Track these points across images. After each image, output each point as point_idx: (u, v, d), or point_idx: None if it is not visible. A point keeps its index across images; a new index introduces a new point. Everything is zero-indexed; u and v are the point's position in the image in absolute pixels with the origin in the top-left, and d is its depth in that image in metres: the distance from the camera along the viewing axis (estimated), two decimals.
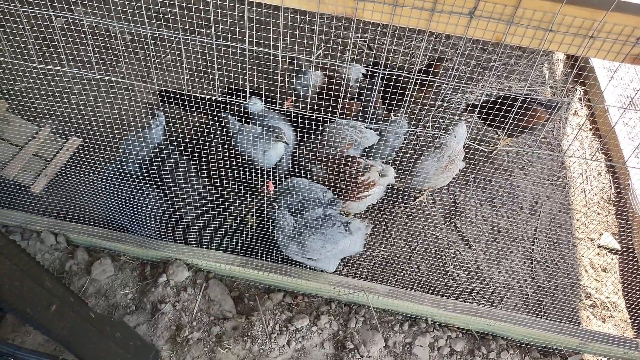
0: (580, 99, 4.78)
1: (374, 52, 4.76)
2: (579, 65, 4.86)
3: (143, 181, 2.83)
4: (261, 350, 2.73)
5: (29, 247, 2.96)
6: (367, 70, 3.75)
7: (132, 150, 2.87)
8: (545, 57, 5.15)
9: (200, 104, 3.07)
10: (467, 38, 1.61)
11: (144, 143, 2.91)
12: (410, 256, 3.36)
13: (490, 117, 3.36)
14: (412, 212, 3.59)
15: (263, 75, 3.90)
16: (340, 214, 3.21)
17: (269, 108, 3.37)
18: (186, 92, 2.54)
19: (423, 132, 3.95)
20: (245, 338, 2.75)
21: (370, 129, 3.36)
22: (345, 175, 2.91)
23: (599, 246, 3.62)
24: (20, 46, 2.18)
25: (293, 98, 3.46)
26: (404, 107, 3.82)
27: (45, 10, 1.89)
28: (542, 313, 3.18)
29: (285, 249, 2.87)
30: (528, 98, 3.66)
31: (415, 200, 3.63)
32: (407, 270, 3.28)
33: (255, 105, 3.34)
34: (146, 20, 1.82)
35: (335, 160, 3.03)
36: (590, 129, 4.52)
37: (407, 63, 4.64)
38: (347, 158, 3.06)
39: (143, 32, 1.84)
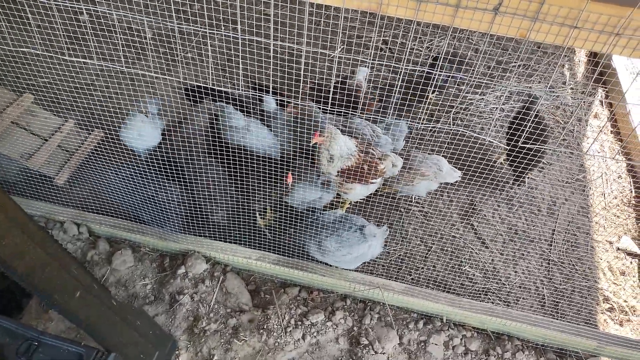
0: (601, 101, 4.73)
1: (388, 47, 4.76)
2: (602, 65, 4.81)
3: (151, 171, 2.91)
4: (276, 344, 2.76)
5: None
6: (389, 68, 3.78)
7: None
8: (566, 58, 5.10)
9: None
10: (488, 37, 1.62)
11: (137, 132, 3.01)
12: (426, 255, 3.36)
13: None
14: (428, 211, 3.60)
15: (286, 71, 3.93)
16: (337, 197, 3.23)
17: (281, 107, 3.39)
18: (213, 87, 2.60)
19: (443, 129, 3.96)
20: (261, 331, 2.78)
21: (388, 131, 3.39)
22: (368, 157, 2.93)
23: (618, 249, 3.58)
24: (52, 38, 2.24)
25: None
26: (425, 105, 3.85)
27: (74, 3, 1.94)
28: (559, 315, 3.16)
29: (306, 246, 2.92)
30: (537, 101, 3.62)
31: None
32: (422, 268, 3.28)
33: (269, 104, 3.35)
34: (173, 14, 1.86)
35: (365, 143, 3.07)
36: (611, 132, 4.47)
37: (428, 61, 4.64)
38: (370, 144, 3.10)
39: (170, 26, 1.89)
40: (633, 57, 1.54)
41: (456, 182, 3.68)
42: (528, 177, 3.80)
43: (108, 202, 3.20)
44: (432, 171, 3.19)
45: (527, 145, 3.15)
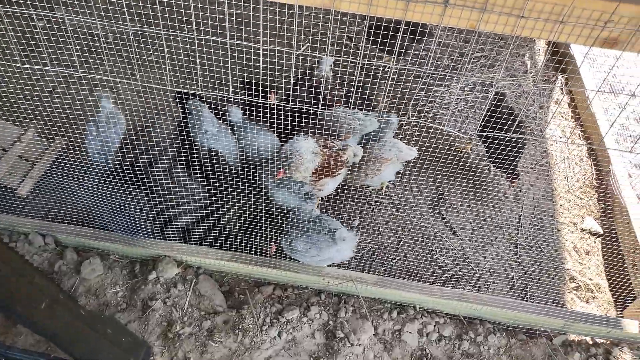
0: (561, 88, 4.86)
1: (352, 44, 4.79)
2: (561, 53, 4.95)
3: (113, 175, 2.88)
4: (252, 343, 2.76)
5: (17, 249, 2.96)
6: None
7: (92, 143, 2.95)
8: (527, 48, 5.22)
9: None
10: (456, 32, 1.65)
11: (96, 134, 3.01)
12: (397, 246, 3.41)
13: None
14: (399, 203, 3.65)
15: (253, 70, 3.92)
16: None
17: (247, 118, 3.37)
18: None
19: (412, 122, 4.01)
20: (237, 331, 2.78)
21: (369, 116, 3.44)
22: (332, 151, 2.97)
23: (582, 230, 3.70)
24: (2, 46, 2.19)
25: (276, 91, 3.45)
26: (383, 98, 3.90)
27: (27, 10, 1.90)
28: (528, 297, 3.25)
29: (280, 243, 2.94)
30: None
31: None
32: (394, 259, 3.33)
33: (235, 114, 3.33)
34: (133, 17, 1.84)
35: (325, 138, 3.12)
36: (572, 117, 4.60)
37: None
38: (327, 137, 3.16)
39: (129, 29, 1.86)
40: (577, 43, 1.60)
41: (425, 173, 3.74)
42: (519, 172, 3.74)
43: (74, 211, 3.14)
44: (393, 154, 3.29)
45: (508, 136, 3.15)
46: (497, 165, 3.55)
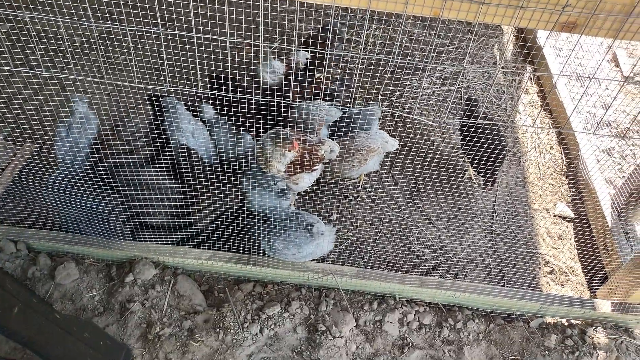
0: (530, 78, 4.97)
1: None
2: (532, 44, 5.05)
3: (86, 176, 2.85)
4: (234, 340, 2.75)
5: None
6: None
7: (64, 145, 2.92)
8: (495, 40, 5.32)
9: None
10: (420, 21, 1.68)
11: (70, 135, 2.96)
12: (376, 238, 3.44)
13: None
14: (376, 196, 3.68)
15: (223, 64, 3.90)
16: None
17: (219, 116, 3.36)
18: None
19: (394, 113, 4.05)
20: (218, 329, 2.76)
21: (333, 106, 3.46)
22: (307, 145, 2.97)
23: (555, 215, 3.78)
24: None
25: (252, 42, 3.40)
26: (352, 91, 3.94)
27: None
28: (505, 282, 3.31)
29: (260, 243, 2.94)
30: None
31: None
32: (373, 251, 3.36)
33: (207, 112, 3.33)
34: (97, 14, 1.81)
35: (301, 132, 3.13)
36: (541, 105, 4.71)
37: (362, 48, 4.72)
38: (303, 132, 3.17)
39: (94, 27, 1.84)
40: (538, 28, 1.64)
41: (399, 164, 3.78)
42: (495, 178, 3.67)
43: (46, 216, 3.08)
44: (379, 144, 3.32)
45: (479, 122, 3.17)
46: (475, 167, 3.57)
